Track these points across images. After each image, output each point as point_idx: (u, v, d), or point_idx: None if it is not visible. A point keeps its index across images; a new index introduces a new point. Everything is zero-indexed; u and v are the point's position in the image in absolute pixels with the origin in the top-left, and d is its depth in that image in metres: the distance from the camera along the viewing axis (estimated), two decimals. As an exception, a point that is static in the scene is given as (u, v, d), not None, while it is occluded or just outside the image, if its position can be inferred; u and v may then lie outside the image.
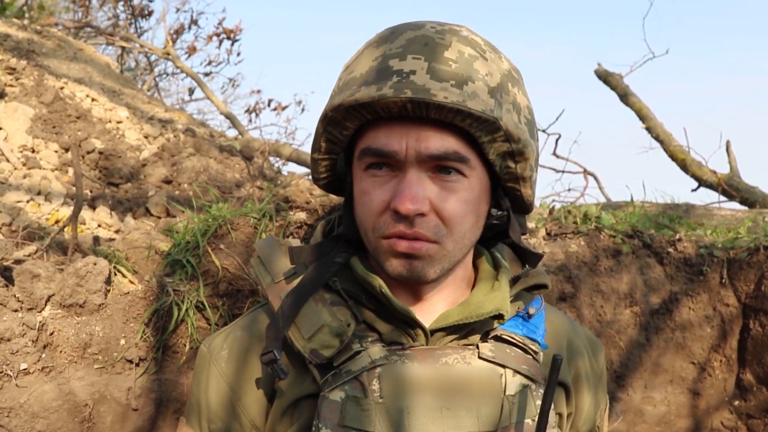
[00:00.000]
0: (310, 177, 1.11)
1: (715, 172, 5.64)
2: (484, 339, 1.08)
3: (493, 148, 1.00)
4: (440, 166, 0.99)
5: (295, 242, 1.10)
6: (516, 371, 1.06)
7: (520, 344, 1.08)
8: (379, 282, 1.01)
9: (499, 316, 1.07)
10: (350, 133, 1.01)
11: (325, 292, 1.06)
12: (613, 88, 6.80)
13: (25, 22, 6.33)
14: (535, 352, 1.10)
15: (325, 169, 1.09)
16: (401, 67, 0.96)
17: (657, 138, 6.23)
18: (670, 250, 3.34)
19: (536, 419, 1.04)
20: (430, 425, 0.99)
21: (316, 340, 1.00)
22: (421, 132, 0.97)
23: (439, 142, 0.97)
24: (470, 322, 1.05)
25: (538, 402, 1.06)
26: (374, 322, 1.04)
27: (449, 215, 0.99)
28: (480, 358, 1.05)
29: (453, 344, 1.06)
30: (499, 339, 1.08)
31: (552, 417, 1.08)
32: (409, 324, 1.03)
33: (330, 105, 1.00)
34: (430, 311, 1.07)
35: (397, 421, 0.97)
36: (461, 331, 1.06)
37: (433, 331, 1.05)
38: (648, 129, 6.32)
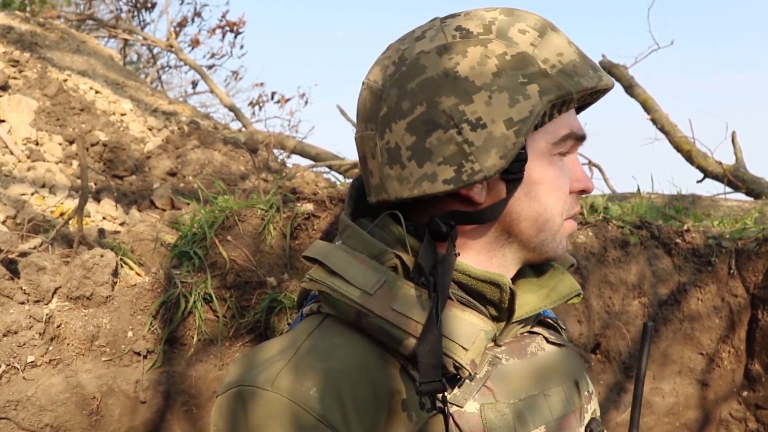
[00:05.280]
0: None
1: (720, 163, 5.62)
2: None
3: None
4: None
5: (343, 247, 0.99)
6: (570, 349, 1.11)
7: (556, 325, 1.11)
8: (507, 280, 0.97)
9: (579, 294, 1.09)
10: (556, 117, 0.99)
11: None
12: (617, 79, 6.76)
13: (27, 15, 6.30)
14: (564, 330, 1.14)
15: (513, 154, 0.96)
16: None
17: (662, 129, 6.20)
18: (678, 240, 3.32)
19: (589, 389, 1.10)
20: (545, 414, 1.00)
21: (475, 348, 0.92)
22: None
23: None
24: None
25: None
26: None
27: None
28: (549, 342, 1.07)
29: (513, 333, 1.05)
30: (541, 323, 1.10)
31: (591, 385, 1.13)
32: (500, 319, 1.01)
33: (576, 87, 0.95)
34: None
35: (525, 416, 0.97)
36: (529, 319, 1.06)
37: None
38: (653, 120, 6.29)
